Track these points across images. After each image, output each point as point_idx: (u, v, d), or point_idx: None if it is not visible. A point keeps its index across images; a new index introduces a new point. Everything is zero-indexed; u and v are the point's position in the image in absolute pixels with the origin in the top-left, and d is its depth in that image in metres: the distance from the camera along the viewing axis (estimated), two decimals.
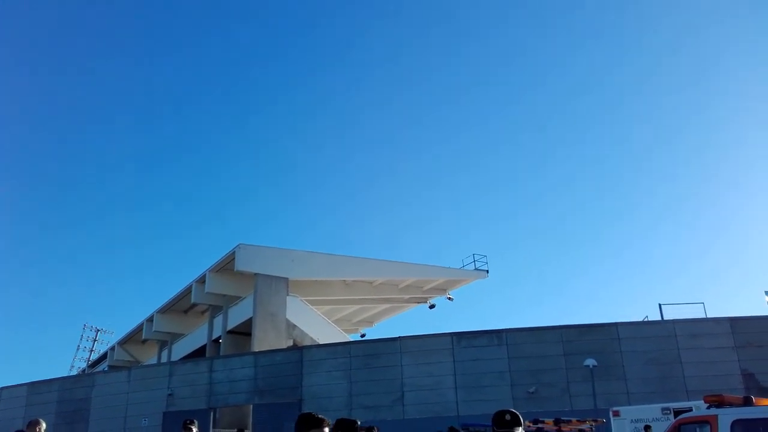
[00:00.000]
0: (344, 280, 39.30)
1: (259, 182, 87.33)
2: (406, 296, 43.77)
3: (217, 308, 39.26)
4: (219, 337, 38.32)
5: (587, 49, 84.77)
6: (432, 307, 44.36)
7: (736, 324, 24.18)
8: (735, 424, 9.57)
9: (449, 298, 43.60)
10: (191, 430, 8.55)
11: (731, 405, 10.14)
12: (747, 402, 10.24)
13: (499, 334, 26.94)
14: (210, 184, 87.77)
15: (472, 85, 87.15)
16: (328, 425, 3.26)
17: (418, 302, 44.95)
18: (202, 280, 38.37)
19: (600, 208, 79.19)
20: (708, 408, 10.39)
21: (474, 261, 40.68)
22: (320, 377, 28.14)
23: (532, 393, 24.33)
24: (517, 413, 3.94)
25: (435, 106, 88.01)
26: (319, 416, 3.22)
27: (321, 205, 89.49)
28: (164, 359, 43.27)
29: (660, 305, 26.63)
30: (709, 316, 25.36)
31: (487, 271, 41.20)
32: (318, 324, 36.79)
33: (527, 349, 25.97)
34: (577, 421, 13.13)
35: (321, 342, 33.60)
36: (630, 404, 21.31)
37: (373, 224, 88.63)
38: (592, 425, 13.14)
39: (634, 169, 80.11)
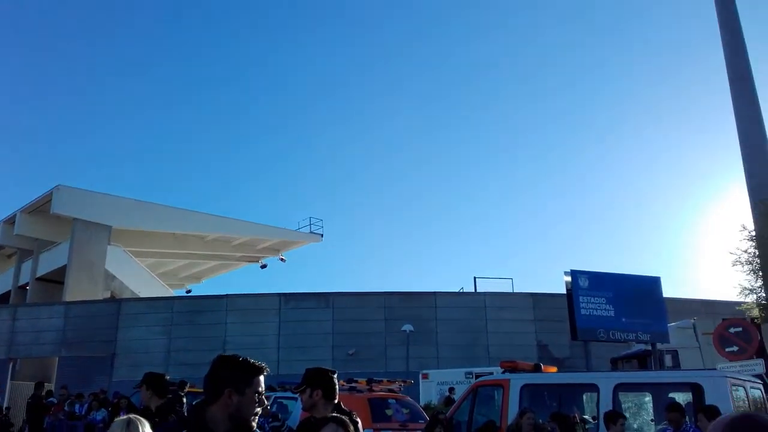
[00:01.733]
0: (173, 233, 37.74)
1: (86, 123, 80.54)
2: (238, 254, 43.12)
3: (26, 252, 36.01)
4: (26, 284, 35.31)
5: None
6: (264, 266, 44.16)
7: (537, 299, 26.82)
8: (524, 387, 10.62)
9: (282, 259, 43.66)
10: None
11: (523, 371, 11.24)
12: (536, 369, 11.46)
13: (327, 297, 27.61)
14: (31, 116, 79.26)
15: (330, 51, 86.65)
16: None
17: (250, 261, 44.50)
18: (11, 221, 34.96)
19: (425, 180, 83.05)
20: (503, 373, 11.42)
21: (310, 224, 41.03)
22: (138, 332, 27.05)
23: (352, 355, 25.33)
24: (315, 371, 4.04)
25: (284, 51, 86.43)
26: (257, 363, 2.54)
27: (153, 151, 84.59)
28: None
29: (475, 278, 28.82)
30: (515, 291, 27.88)
31: (322, 235, 41.78)
32: (140, 276, 35.12)
33: (351, 313, 26.92)
34: (388, 381, 13.90)
35: (142, 296, 32.18)
36: (439, 368, 22.93)
37: (209, 178, 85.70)
38: (401, 385, 13.99)
39: (458, 146, 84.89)
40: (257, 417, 2.49)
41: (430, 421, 11.24)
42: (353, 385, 13.00)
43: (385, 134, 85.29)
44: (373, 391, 13.16)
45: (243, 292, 28.89)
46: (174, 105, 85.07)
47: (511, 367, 11.32)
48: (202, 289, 45.72)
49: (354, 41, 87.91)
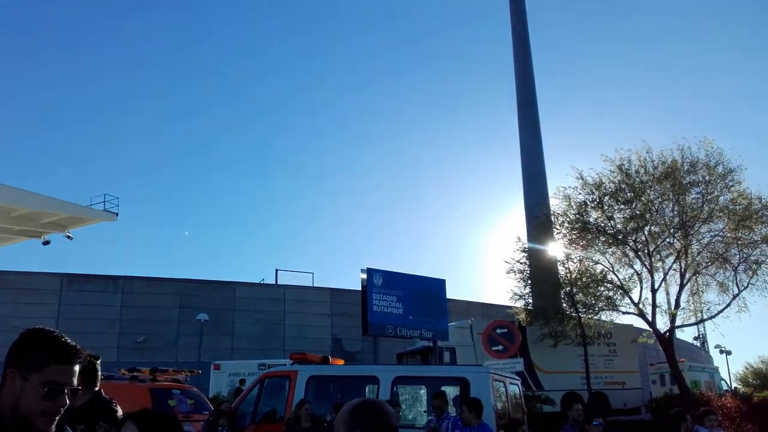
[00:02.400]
0: None
1: None
2: (17, 227, 38.66)
3: None
4: None
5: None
6: (47, 243, 39.98)
7: (334, 294, 27.54)
8: (311, 379, 10.90)
9: (68, 237, 39.93)
10: None
11: (311, 363, 11.54)
12: (324, 361, 11.84)
13: (116, 280, 25.88)
14: None
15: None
16: None
17: (31, 236, 40.10)
18: None
19: (231, 174, 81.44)
20: (292, 364, 11.62)
21: (104, 201, 37.93)
22: None
23: (141, 343, 24.06)
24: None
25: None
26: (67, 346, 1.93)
27: None
28: None
29: (276, 270, 28.75)
30: (315, 285, 28.37)
31: (117, 214, 38.88)
32: None
33: (143, 299, 25.53)
34: (174, 371, 13.46)
35: None
36: (234, 359, 22.64)
37: None
38: (187, 376, 13.61)
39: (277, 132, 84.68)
40: (51, 421, 1.84)
41: (214, 412, 11.11)
42: (135, 374, 12.42)
43: (197, 127, 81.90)
44: (157, 381, 12.67)
45: (17, 269, 25.99)
46: None
47: (300, 359, 11.57)
48: None
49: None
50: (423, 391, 11.96)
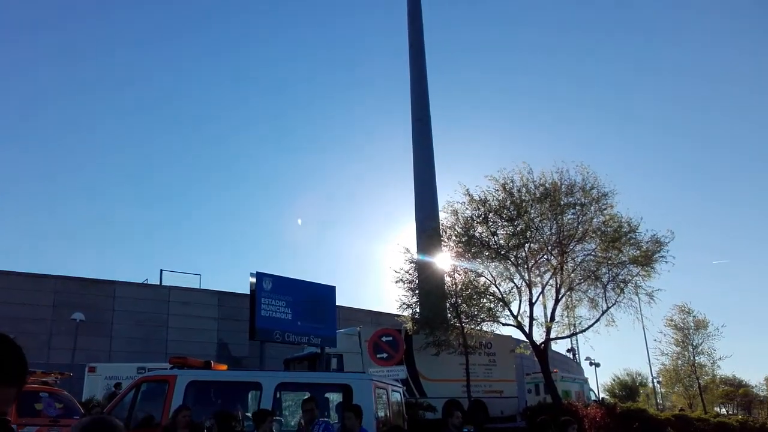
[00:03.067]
0: None
1: None
2: None
3: None
4: None
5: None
6: None
7: (222, 298, 26.82)
8: (191, 384, 10.61)
9: None
10: None
11: (192, 367, 11.22)
12: (206, 366, 11.55)
13: None
14: None
15: None
16: None
17: None
18: None
19: (115, 170, 77.89)
20: (171, 368, 11.27)
21: None
22: None
23: None
24: None
25: None
26: None
27: None
28: None
29: (162, 270, 27.62)
30: (203, 287, 27.49)
31: None
32: None
33: (11, 295, 23.76)
34: (42, 373, 12.70)
35: None
36: (112, 361, 21.56)
37: None
38: (57, 378, 12.88)
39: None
40: None
41: (83, 416, 10.61)
42: None
43: (74, 119, 77.47)
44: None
45: None
46: None
47: (181, 363, 11.24)
48: None
49: None
50: (307, 398, 11.98)
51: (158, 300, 25.53)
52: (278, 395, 10.83)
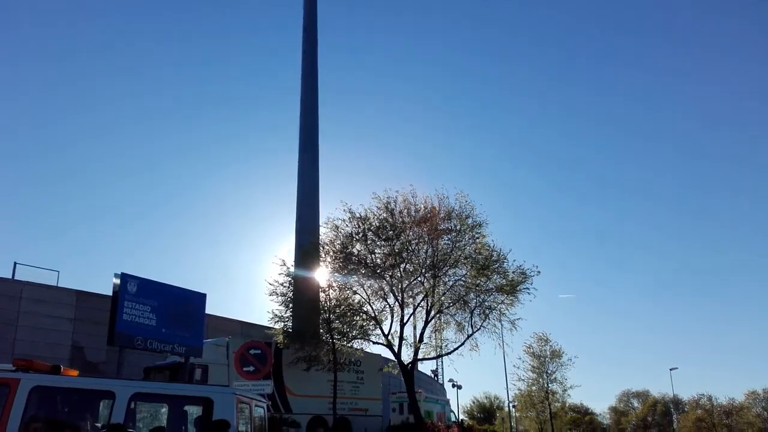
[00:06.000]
0: None
1: None
2: None
3: None
4: None
5: None
6: None
7: (81, 298, 25.05)
8: (34, 390, 9.80)
9: None
10: None
11: (38, 371, 10.39)
12: (54, 371, 10.73)
13: None
14: None
15: None
16: None
17: None
18: None
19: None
20: (14, 371, 10.39)
21: None
22: None
23: None
24: None
25: None
26: None
27: None
28: None
29: (15, 263, 25.38)
30: (61, 285, 25.53)
31: None
32: None
33: None
34: None
35: None
36: None
37: None
38: None
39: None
40: None
41: None
42: None
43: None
44: None
45: None
46: None
47: (25, 366, 10.37)
48: None
49: None
50: (164, 410, 11.46)
51: (8, 296, 23.40)
52: (132, 406, 10.27)
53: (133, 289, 16.93)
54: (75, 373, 12.32)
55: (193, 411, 11.20)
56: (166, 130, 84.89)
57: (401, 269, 23.31)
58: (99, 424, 10.74)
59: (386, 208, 23.55)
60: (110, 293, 17.06)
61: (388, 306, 23.63)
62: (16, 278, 24.04)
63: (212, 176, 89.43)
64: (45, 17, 77.61)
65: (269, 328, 23.28)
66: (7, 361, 20.06)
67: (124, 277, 16.71)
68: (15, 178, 75.43)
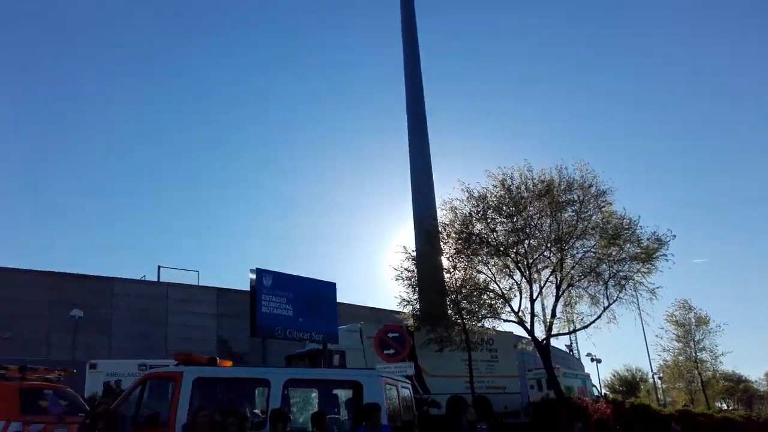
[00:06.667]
0: None
1: None
2: None
3: None
4: None
5: None
6: None
7: (221, 294, 26.63)
8: (197, 381, 10.42)
9: None
10: None
11: (197, 364, 11.05)
12: (211, 362, 11.38)
13: None
14: None
15: None
16: None
17: None
18: None
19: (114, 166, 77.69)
20: (176, 365, 11.09)
21: None
22: None
23: (6, 339, 22.13)
24: None
25: None
26: None
27: None
28: None
29: (159, 267, 27.43)
30: (201, 284, 27.26)
31: None
32: None
33: (5, 292, 23.49)
34: (45, 369, 12.52)
35: None
36: (111, 358, 21.39)
37: None
38: (60, 375, 12.70)
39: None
40: None
41: (90, 414, 10.43)
42: (3, 372, 11.45)
43: (78, 119, 77.08)
44: (26, 379, 11.75)
45: None
46: None
47: (185, 360, 11.06)
48: None
49: None
50: (314, 395, 11.85)
51: (156, 296, 25.35)
52: (286, 392, 10.68)
53: (269, 282, 17.68)
54: (229, 363, 13.03)
55: (342, 394, 11.49)
56: (286, 131, 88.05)
57: (525, 245, 22.73)
58: (257, 410, 11.29)
59: (503, 185, 23.04)
60: (246, 288, 17.94)
61: (515, 283, 23.14)
62: (161, 280, 25.97)
63: (333, 174, 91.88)
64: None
65: (398, 312, 23.55)
66: (162, 357, 21.82)
67: (259, 272, 17.47)
68: (158, 186, 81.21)
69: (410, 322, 22.74)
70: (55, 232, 69.53)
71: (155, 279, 26.94)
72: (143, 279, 27.29)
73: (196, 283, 27.10)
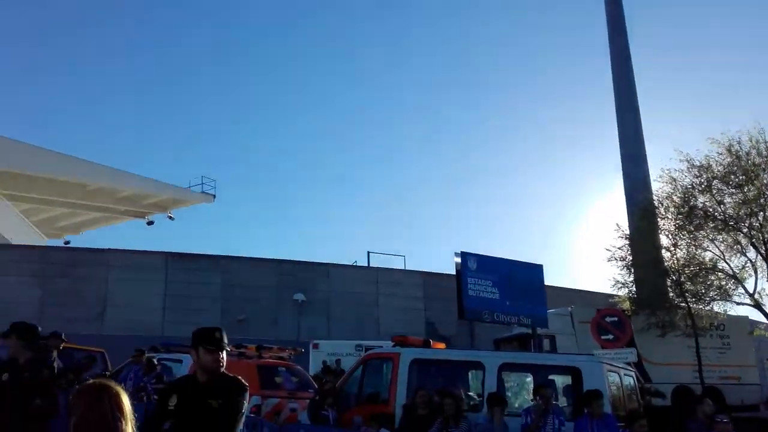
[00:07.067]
0: (52, 178, 35.03)
1: None
2: (123, 207, 40.87)
3: None
4: None
5: None
6: (150, 223, 42.16)
7: (427, 278, 27.42)
8: (413, 362, 10.77)
9: (170, 217, 41.89)
10: None
11: (413, 346, 11.40)
12: (426, 344, 11.68)
13: (217, 260, 26.85)
14: None
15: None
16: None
17: (136, 216, 42.34)
18: None
19: (322, 152, 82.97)
20: (393, 347, 11.53)
21: (202, 183, 39.56)
22: (6, 281, 25.07)
23: (242, 321, 24.81)
24: (223, 332, 3.84)
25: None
26: None
27: (29, 85, 77.84)
28: None
29: (369, 253, 28.96)
30: (407, 268, 28.34)
31: (214, 196, 40.44)
32: (12, 222, 32.54)
33: (242, 278, 26.34)
34: (278, 348, 13.74)
35: (14, 242, 29.84)
36: (330, 338, 22.99)
37: (95, 124, 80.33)
38: (291, 354, 13.87)
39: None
40: None
41: (320, 391, 11.23)
42: (242, 351, 12.74)
43: (287, 101, 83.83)
44: (263, 358, 12.96)
45: (127, 248, 27.53)
46: (51, 38, 78.79)
47: (402, 342, 11.45)
48: (81, 241, 43.03)
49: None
50: (529, 380, 11.60)
51: (367, 281, 26.82)
52: (501, 376, 10.56)
53: (473, 265, 17.61)
54: (442, 346, 13.25)
55: (560, 380, 11.10)
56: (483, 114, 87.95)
57: (759, 218, 20.18)
58: (471, 393, 11.33)
59: (729, 151, 20.62)
60: (450, 272, 18.10)
61: (749, 261, 20.68)
62: (371, 265, 27.41)
63: (528, 148, 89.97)
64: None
65: (611, 295, 22.28)
66: (374, 337, 22.89)
67: (464, 255, 17.46)
68: (361, 178, 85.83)
69: (626, 305, 21.36)
70: (277, 222, 76.67)
71: (365, 264, 28.54)
72: (355, 264, 29.00)
73: (403, 268, 28.21)
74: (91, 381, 2.49)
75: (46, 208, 39.32)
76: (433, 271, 27.99)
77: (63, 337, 10.04)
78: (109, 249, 26.94)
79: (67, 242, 41.02)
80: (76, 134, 77.44)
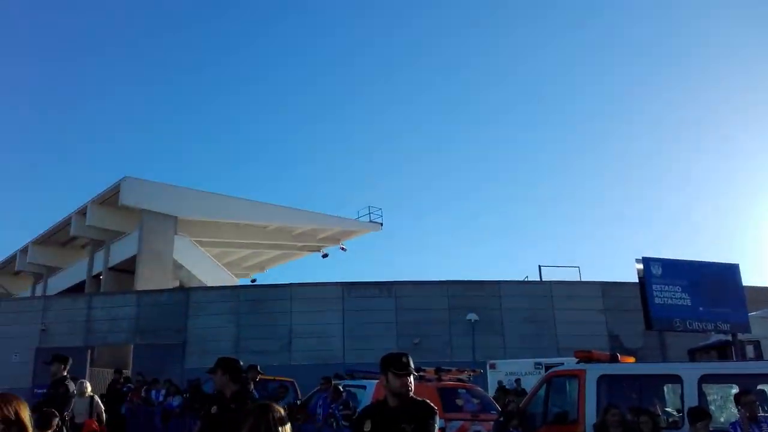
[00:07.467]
0: (236, 223, 38.46)
1: (152, 116, 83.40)
2: (299, 244, 43.60)
3: (98, 243, 37.39)
4: (99, 273, 36.64)
5: None
6: (325, 256, 44.51)
7: (606, 288, 25.96)
8: (601, 378, 10.17)
9: (342, 249, 43.87)
10: (57, 365, 8.04)
11: (599, 361, 10.78)
12: (613, 359, 11.00)
13: (388, 286, 27.54)
14: (99, 109, 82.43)
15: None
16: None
17: (311, 250, 44.94)
18: (83, 212, 36.29)
19: (484, 169, 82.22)
20: (577, 363, 10.99)
21: (369, 213, 41.08)
22: (206, 320, 27.69)
23: (417, 344, 25.16)
24: (410, 357, 3.90)
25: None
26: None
27: (213, 141, 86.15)
28: (38, 293, 40.89)
29: (540, 267, 28.12)
30: (583, 279, 27.06)
31: (381, 224, 41.79)
32: (206, 266, 36.01)
33: (414, 302, 26.75)
34: (457, 370, 13.67)
35: (209, 284, 32.95)
36: (506, 358, 22.53)
37: (268, 165, 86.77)
38: (470, 375, 13.73)
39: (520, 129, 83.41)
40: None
41: (504, 413, 10.98)
42: (421, 374, 12.82)
43: (443, 122, 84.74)
44: (442, 380, 12.95)
45: (306, 281, 29.22)
46: (229, 95, 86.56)
47: (587, 357, 10.87)
48: (266, 278, 46.49)
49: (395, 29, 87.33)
50: (735, 391, 10.49)
51: (541, 296, 26.01)
52: (702, 389, 9.64)
53: (658, 271, 16.39)
54: (632, 360, 12.42)
55: None
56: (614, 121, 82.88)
57: None
58: (669, 408, 10.47)
59: None
60: (631, 280, 16.94)
61: None
62: (543, 279, 26.56)
63: (707, 138, 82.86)
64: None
65: None
66: (553, 354, 22.03)
67: (647, 261, 16.31)
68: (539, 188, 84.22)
69: None
70: (441, 244, 77.26)
71: (537, 279, 27.74)
72: (527, 280, 28.34)
73: (578, 279, 27.03)
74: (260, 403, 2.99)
75: (233, 251, 43.12)
76: (611, 280, 26.50)
77: (258, 369, 10.82)
78: (291, 283, 28.72)
79: (254, 280, 44.53)
80: (249, 176, 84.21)
